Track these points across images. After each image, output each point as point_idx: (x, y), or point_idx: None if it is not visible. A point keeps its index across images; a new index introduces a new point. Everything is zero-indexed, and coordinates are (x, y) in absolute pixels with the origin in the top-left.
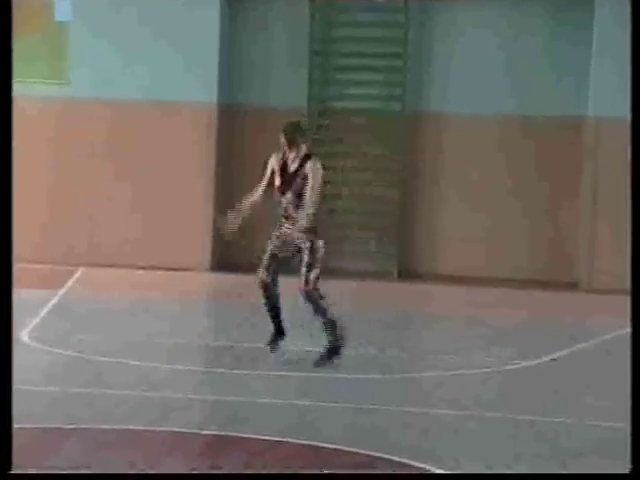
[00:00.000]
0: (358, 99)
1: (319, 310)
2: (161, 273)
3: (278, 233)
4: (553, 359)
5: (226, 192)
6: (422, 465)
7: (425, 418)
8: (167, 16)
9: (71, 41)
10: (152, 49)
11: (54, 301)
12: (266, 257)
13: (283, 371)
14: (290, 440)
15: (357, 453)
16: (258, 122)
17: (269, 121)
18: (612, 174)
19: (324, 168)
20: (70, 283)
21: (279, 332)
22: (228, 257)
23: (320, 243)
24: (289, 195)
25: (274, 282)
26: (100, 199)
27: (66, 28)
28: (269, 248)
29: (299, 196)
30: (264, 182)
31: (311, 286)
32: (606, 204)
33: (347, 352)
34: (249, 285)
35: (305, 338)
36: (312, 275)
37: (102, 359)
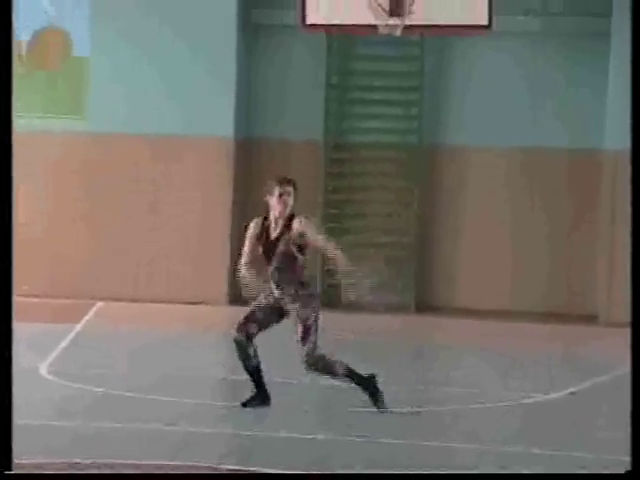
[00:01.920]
0: (374, 132)
1: (330, 374)
2: (179, 307)
3: (265, 300)
4: (572, 393)
5: (243, 225)
6: None
7: (442, 452)
8: (183, 50)
9: (89, 76)
10: (168, 84)
11: (72, 335)
12: (246, 315)
13: (301, 405)
14: (307, 473)
15: None
16: (274, 155)
17: (285, 154)
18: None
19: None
20: (88, 317)
21: (260, 395)
22: None
23: (307, 312)
24: (273, 264)
25: (249, 343)
26: (117, 232)
27: (85, 63)
28: (253, 305)
29: (284, 264)
30: (246, 249)
31: (310, 360)
32: (624, 237)
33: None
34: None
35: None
36: (306, 349)
37: (120, 393)
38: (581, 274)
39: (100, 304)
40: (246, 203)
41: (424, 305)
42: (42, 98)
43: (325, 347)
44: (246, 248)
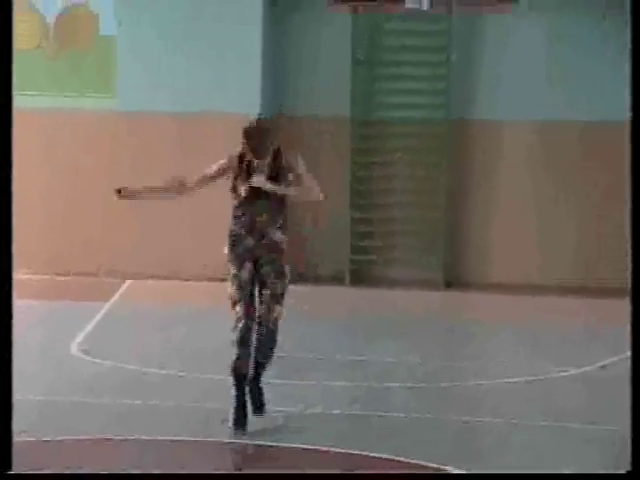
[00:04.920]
0: (401, 108)
1: (271, 351)
2: (210, 284)
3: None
4: (602, 366)
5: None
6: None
7: (474, 427)
8: (209, 26)
9: (117, 55)
10: (195, 61)
11: (102, 313)
12: (236, 289)
13: (330, 381)
14: (337, 450)
15: (404, 462)
16: (301, 131)
17: (312, 130)
18: None
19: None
20: (118, 295)
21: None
22: None
23: (287, 268)
24: (260, 203)
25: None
26: (147, 210)
27: (112, 42)
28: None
29: (275, 203)
30: (208, 176)
31: (275, 321)
32: None
33: (393, 360)
34: (291, 294)
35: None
36: (279, 308)
37: (150, 370)
38: (611, 247)
39: (130, 282)
40: None
41: (454, 281)
42: (71, 77)
43: (353, 323)
44: (209, 176)
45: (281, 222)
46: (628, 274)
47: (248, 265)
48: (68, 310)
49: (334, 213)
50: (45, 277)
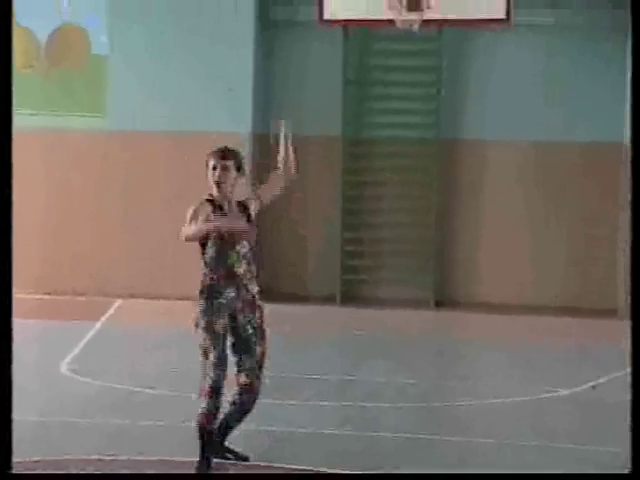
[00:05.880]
0: (392, 127)
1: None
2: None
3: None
4: (592, 387)
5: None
6: None
7: (464, 447)
8: (201, 46)
9: (108, 74)
10: (187, 81)
11: (92, 333)
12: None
13: (321, 401)
14: (328, 470)
15: None
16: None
17: (304, 150)
18: None
19: None
20: (109, 315)
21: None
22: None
23: (265, 325)
24: (237, 251)
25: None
26: (138, 229)
27: (104, 62)
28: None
29: (250, 251)
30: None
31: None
32: None
33: (384, 380)
34: (283, 314)
35: (354, 365)
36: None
37: (140, 390)
38: (600, 268)
39: (120, 301)
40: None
41: (444, 300)
42: (62, 96)
43: (344, 343)
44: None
45: (255, 272)
46: (618, 294)
47: (225, 318)
48: (58, 330)
49: (326, 233)
50: (36, 297)
